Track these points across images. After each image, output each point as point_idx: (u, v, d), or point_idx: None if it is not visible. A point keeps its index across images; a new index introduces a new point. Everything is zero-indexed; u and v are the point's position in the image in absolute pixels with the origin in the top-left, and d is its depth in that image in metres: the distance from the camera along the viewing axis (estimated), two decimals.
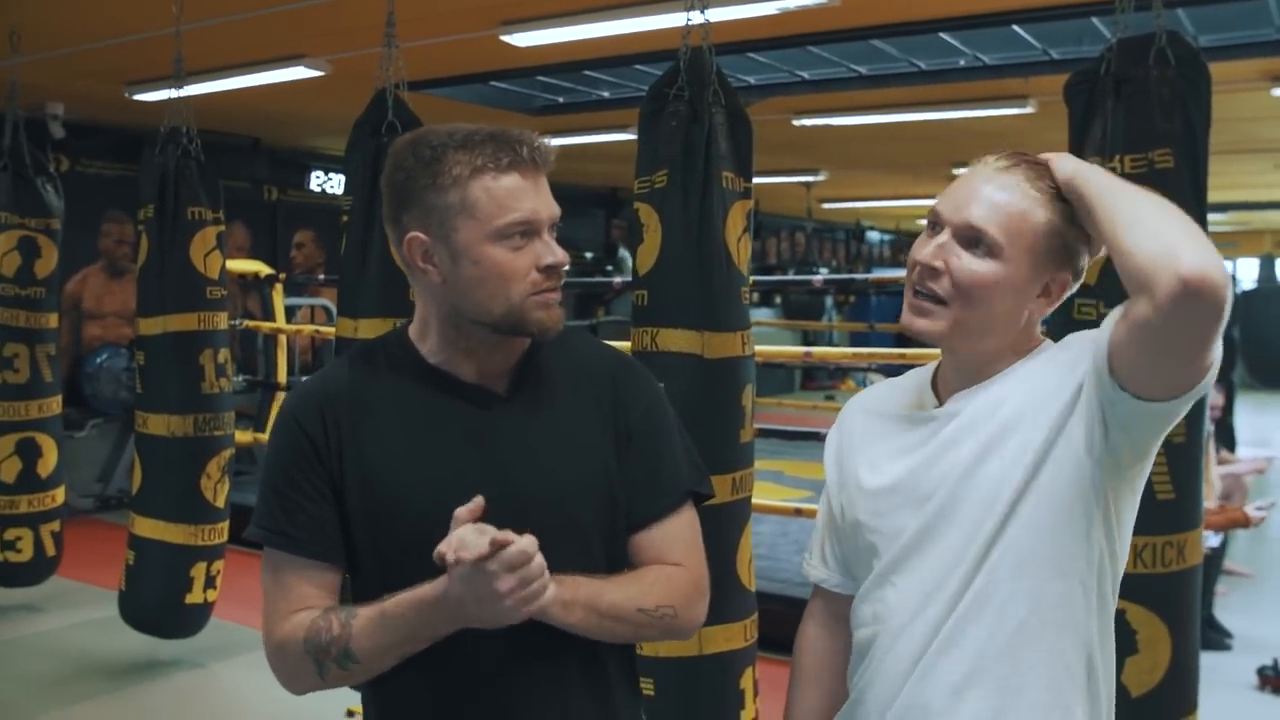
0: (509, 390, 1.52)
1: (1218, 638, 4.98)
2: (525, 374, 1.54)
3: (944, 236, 1.42)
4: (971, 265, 1.39)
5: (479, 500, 1.33)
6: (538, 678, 1.47)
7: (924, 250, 1.43)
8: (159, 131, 4.14)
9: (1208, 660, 2.58)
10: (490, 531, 1.29)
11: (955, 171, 9.93)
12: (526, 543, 1.29)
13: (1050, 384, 1.39)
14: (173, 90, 4.12)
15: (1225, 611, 5.30)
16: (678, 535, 1.54)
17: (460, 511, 1.32)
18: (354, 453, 1.48)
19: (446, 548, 1.29)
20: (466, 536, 1.29)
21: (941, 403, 1.49)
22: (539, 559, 1.30)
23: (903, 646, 1.44)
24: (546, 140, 1.48)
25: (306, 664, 1.44)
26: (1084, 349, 1.36)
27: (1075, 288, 1.47)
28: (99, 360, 7.63)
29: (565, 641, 1.44)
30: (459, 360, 1.52)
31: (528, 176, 1.45)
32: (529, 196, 1.44)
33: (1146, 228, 1.25)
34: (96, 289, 7.58)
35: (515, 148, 1.44)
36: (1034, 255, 1.40)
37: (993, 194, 1.40)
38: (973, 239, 1.40)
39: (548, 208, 1.46)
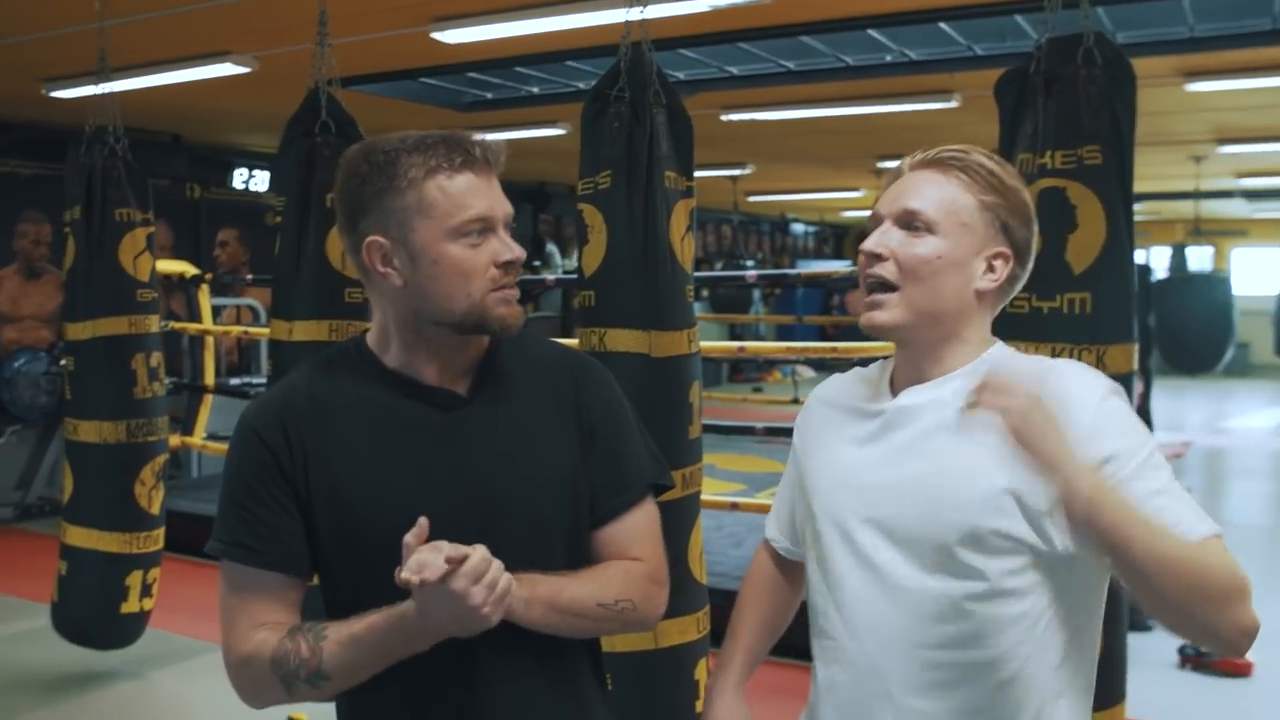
0: (470, 390, 1.54)
1: (1141, 619, 5.10)
2: (485, 374, 1.55)
3: (886, 226, 1.50)
4: (912, 243, 1.47)
5: (423, 522, 1.33)
6: (503, 675, 1.48)
7: (867, 241, 1.50)
8: (83, 130, 4.04)
9: (1132, 641, 2.64)
10: (445, 548, 1.30)
11: (880, 165, 10.08)
12: (483, 551, 1.31)
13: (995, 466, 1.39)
14: (95, 87, 4.02)
15: None
16: (639, 529, 1.58)
17: (409, 538, 1.32)
18: (318, 463, 1.49)
19: (408, 573, 1.29)
20: (424, 558, 1.30)
21: (894, 395, 1.52)
22: (497, 563, 1.33)
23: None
24: (499, 140, 1.50)
25: (273, 684, 1.44)
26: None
27: (1024, 275, 1.51)
28: (16, 365, 7.41)
29: (529, 638, 1.45)
30: (420, 363, 1.52)
31: (481, 175, 1.48)
32: (483, 194, 1.47)
33: (1205, 606, 1.29)
34: (12, 291, 7.35)
35: (467, 148, 1.47)
36: (970, 230, 1.47)
37: (923, 183, 1.49)
38: (909, 222, 1.47)
39: (502, 205, 1.49)
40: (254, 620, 1.47)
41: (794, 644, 1.80)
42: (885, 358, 1.62)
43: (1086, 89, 2.41)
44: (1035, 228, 1.51)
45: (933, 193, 1.48)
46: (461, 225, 1.45)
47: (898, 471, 1.47)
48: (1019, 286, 1.53)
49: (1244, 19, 5.06)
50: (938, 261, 1.46)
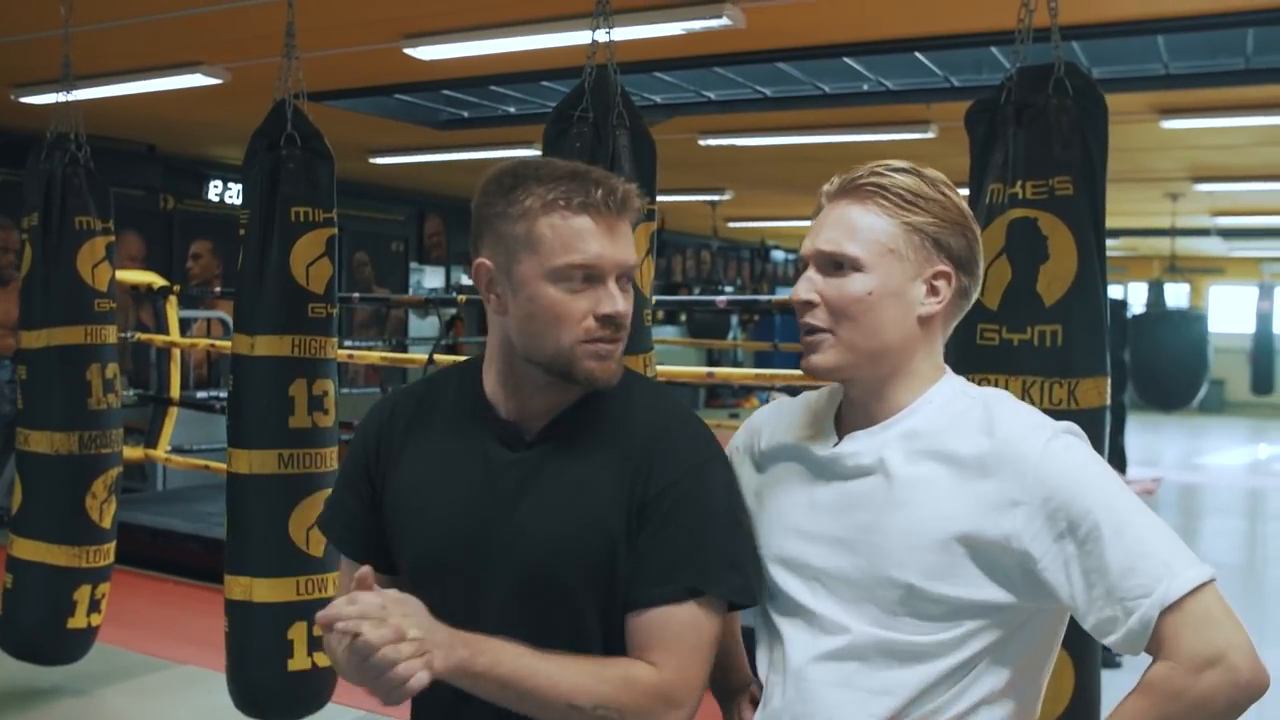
0: (540, 435, 1.48)
1: (1109, 656, 5.08)
2: (563, 421, 1.49)
3: (810, 272, 1.43)
4: (839, 284, 1.39)
5: (365, 570, 1.30)
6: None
7: (796, 288, 1.43)
8: (45, 136, 4.00)
9: (1104, 677, 2.61)
10: (359, 602, 1.25)
11: None
12: (375, 635, 1.22)
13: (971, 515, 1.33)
14: (61, 94, 3.97)
15: None
16: (665, 632, 1.40)
17: (357, 575, 1.30)
18: (396, 469, 1.54)
19: (328, 608, 1.26)
20: (338, 604, 1.26)
21: (840, 438, 1.45)
22: (386, 651, 1.22)
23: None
24: (631, 186, 1.45)
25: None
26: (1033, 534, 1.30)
27: (974, 283, 1.44)
28: None
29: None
30: (506, 395, 1.50)
31: (600, 220, 1.41)
32: (595, 240, 1.40)
33: None
34: None
35: (590, 189, 1.41)
36: (899, 257, 1.39)
37: (840, 216, 1.41)
38: (832, 263, 1.40)
39: (616, 254, 1.41)
40: (341, 593, 1.49)
41: None
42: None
43: (1058, 119, 2.38)
44: (977, 230, 1.43)
45: (852, 227, 1.39)
46: (565, 268, 1.40)
47: (841, 522, 1.40)
48: (972, 297, 1.45)
49: (1218, 58, 5.09)
50: (869, 299, 1.38)
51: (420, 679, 1.23)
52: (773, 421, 1.58)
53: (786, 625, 1.43)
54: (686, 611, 1.40)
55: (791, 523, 1.45)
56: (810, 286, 1.41)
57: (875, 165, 1.43)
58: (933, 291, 1.41)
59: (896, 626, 1.35)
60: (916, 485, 1.35)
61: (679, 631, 1.40)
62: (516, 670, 1.32)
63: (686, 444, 1.48)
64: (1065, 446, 1.33)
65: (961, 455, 1.35)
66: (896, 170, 1.41)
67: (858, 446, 1.42)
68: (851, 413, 1.46)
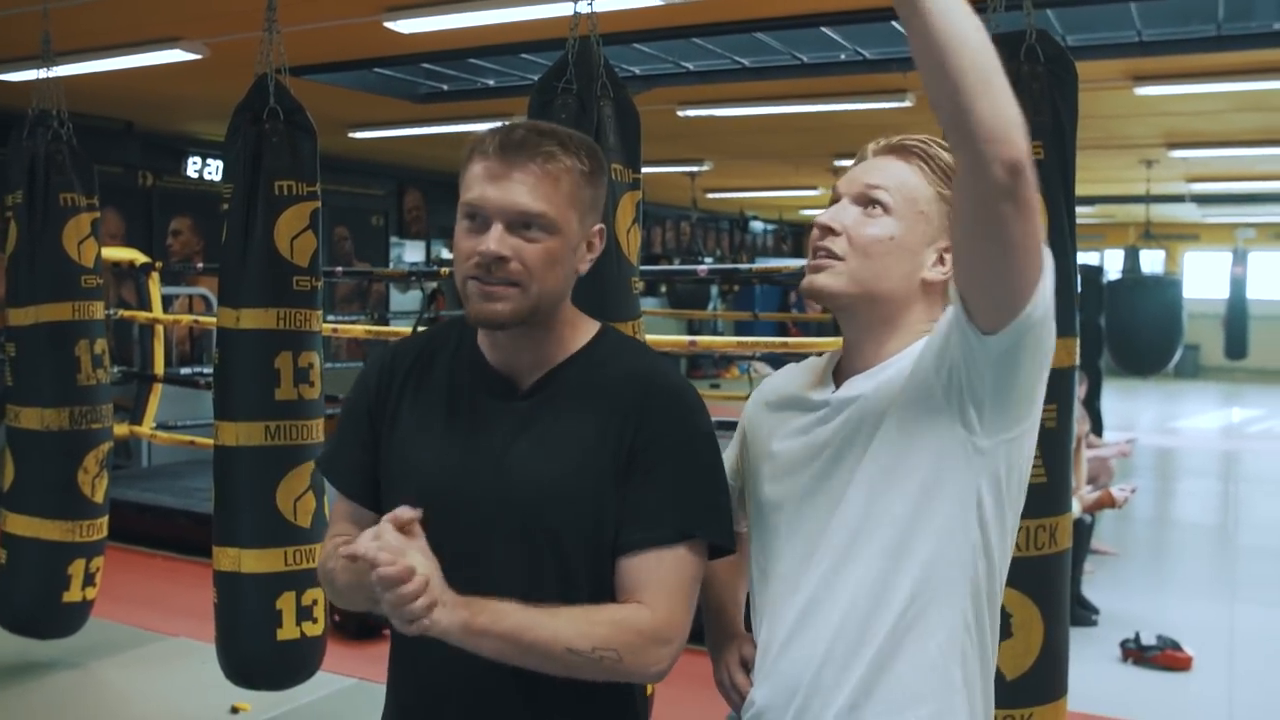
0: (532, 388, 1.53)
1: (1085, 614, 5.19)
2: (555, 376, 1.54)
3: (843, 202, 1.49)
4: (866, 222, 1.46)
5: (403, 510, 1.35)
6: (486, 696, 1.50)
7: (822, 214, 1.49)
8: (27, 113, 4.00)
9: (1076, 635, 2.68)
10: (385, 537, 1.30)
11: (836, 163, 10.12)
12: (398, 571, 1.27)
13: (926, 362, 1.41)
14: (40, 71, 3.97)
15: (1092, 589, 5.53)
16: (654, 573, 1.47)
17: (395, 514, 1.34)
18: (396, 416, 1.58)
19: (352, 547, 1.31)
20: (364, 540, 1.31)
21: (838, 387, 1.52)
22: (408, 588, 1.28)
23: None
24: (540, 134, 1.47)
25: (324, 580, 1.58)
26: (948, 314, 1.39)
27: None
28: None
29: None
30: (490, 346, 1.56)
31: (486, 164, 1.45)
32: (479, 183, 1.45)
33: (995, 93, 1.20)
34: None
35: (489, 135, 1.47)
36: (925, 220, 1.46)
37: (885, 165, 1.49)
38: (867, 200, 1.47)
39: (500, 197, 1.43)
40: (333, 532, 1.61)
41: None
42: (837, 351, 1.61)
43: (1029, 86, 2.44)
44: None
45: (893, 176, 1.47)
46: (460, 210, 1.47)
47: (838, 461, 1.46)
48: None
49: (1190, 24, 5.13)
50: (889, 243, 1.45)
51: (421, 626, 1.30)
52: (780, 382, 1.65)
53: (779, 583, 1.51)
54: (675, 554, 1.48)
55: (785, 464, 1.52)
56: (837, 215, 1.48)
57: (925, 136, 1.50)
58: (941, 261, 1.48)
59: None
60: (907, 427, 1.43)
61: (667, 573, 1.47)
62: (516, 626, 1.37)
63: (674, 397, 1.54)
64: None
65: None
66: (942, 146, 1.47)
67: (853, 391, 1.48)
68: (847, 359, 1.53)
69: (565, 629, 1.40)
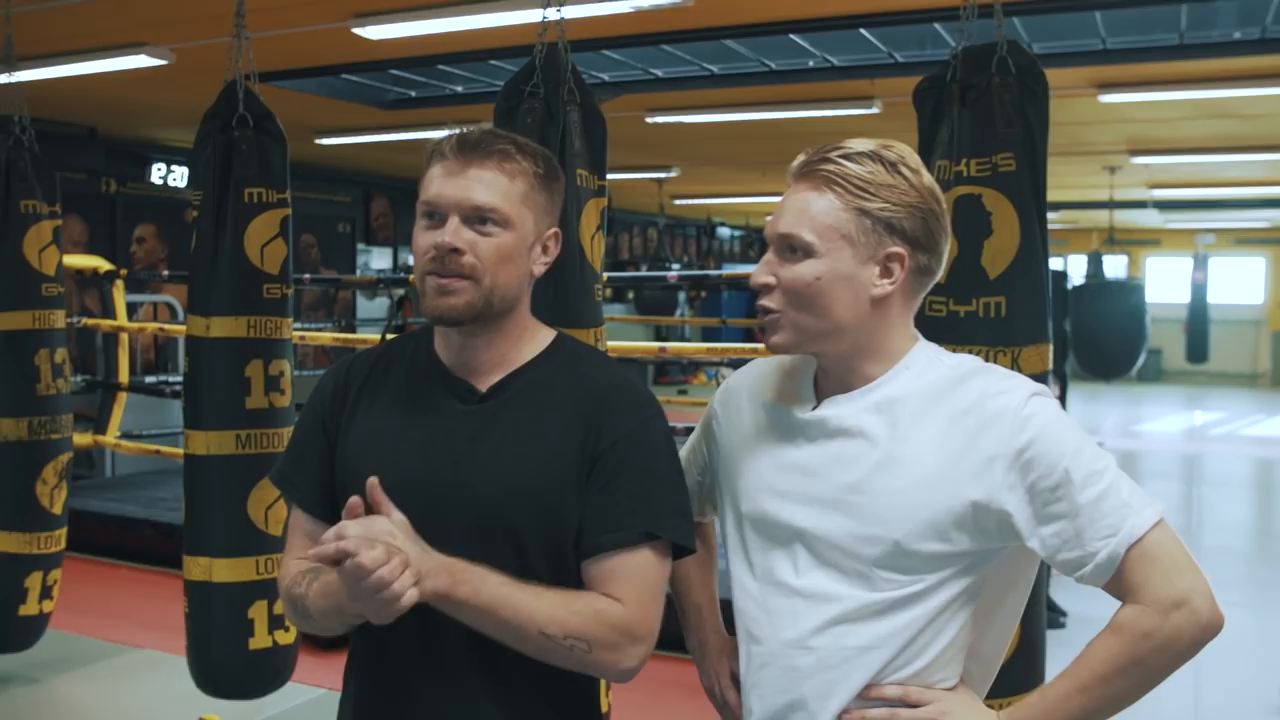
0: (491, 391, 1.55)
1: (1054, 616, 5.22)
2: (514, 379, 1.55)
3: (769, 254, 1.48)
4: (793, 269, 1.44)
5: (356, 499, 1.37)
6: (449, 688, 1.50)
7: (755, 271, 1.49)
8: None
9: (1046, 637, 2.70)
10: (351, 530, 1.32)
11: None
12: (368, 558, 1.28)
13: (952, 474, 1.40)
14: (2, 75, 3.92)
15: (1060, 592, 5.56)
16: (625, 574, 1.49)
17: (350, 502, 1.36)
18: (351, 423, 1.58)
19: (319, 543, 1.33)
20: (329, 534, 1.33)
21: (818, 402, 1.51)
22: (381, 572, 1.29)
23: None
24: (495, 134, 1.52)
25: (291, 610, 1.55)
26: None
27: (934, 261, 1.47)
28: None
29: (482, 655, 1.47)
30: (447, 349, 1.57)
31: (444, 164, 1.50)
32: (436, 182, 1.50)
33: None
34: None
35: (449, 139, 1.51)
36: (850, 243, 1.43)
37: (796, 202, 1.46)
38: (789, 246, 1.45)
39: (455, 193, 1.48)
40: (293, 550, 1.59)
41: None
42: None
43: (1000, 97, 2.44)
44: (938, 207, 1.47)
45: (804, 213, 1.44)
46: (419, 207, 1.51)
47: (823, 482, 1.45)
48: (936, 272, 1.49)
49: (1154, 33, 5.19)
50: (819, 283, 1.43)
51: (410, 597, 1.32)
52: (749, 383, 1.63)
53: (771, 596, 1.49)
54: (641, 555, 1.50)
55: (768, 482, 1.51)
56: (768, 269, 1.47)
57: (835, 148, 1.46)
58: (886, 273, 1.45)
59: (875, 583, 1.42)
60: (901, 448, 1.42)
61: (635, 573, 1.49)
62: (494, 599, 1.40)
63: (633, 401, 1.57)
64: (1039, 405, 1.40)
65: (942, 419, 1.42)
66: (854, 155, 1.45)
67: (838, 410, 1.47)
68: (826, 379, 1.52)
69: (542, 611, 1.43)
